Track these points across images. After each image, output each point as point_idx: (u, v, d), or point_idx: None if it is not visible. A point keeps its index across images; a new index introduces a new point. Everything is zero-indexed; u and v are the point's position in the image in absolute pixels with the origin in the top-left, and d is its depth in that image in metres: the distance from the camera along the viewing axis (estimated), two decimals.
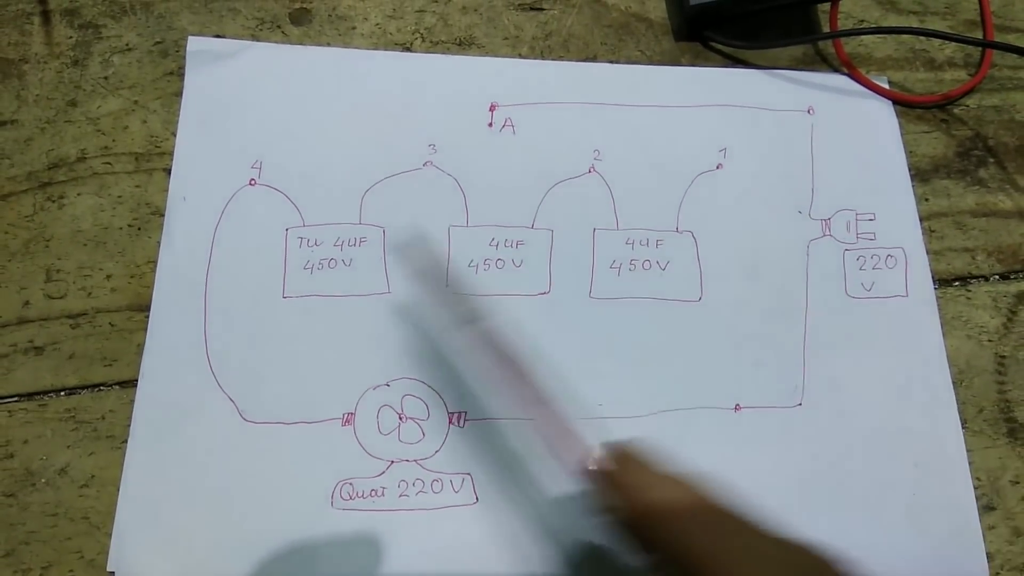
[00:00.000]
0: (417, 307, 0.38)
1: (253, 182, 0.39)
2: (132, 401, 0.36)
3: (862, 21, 0.46)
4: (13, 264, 0.38)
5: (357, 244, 0.39)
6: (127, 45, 0.42)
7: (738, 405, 0.38)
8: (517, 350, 0.32)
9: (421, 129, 0.41)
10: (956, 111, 0.44)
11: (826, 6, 0.44)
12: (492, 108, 0.42)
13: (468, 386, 0.37)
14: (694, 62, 0.44)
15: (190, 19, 0.42)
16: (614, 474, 0.29)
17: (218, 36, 0.42)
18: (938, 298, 0.41)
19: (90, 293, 0.37)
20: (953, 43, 0.45)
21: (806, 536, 0.31)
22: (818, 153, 0.43)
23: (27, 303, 0.37)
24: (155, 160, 0.40)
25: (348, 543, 0.35)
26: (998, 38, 0.46)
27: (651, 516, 0.28)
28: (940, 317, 0.40)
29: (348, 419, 0.36)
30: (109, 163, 0.39)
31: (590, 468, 0.30)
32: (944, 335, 0.40)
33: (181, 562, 0.34)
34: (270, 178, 0.39)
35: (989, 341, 0.40)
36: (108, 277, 0.38)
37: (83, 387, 0.36)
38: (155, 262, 0.38)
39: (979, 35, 0.46)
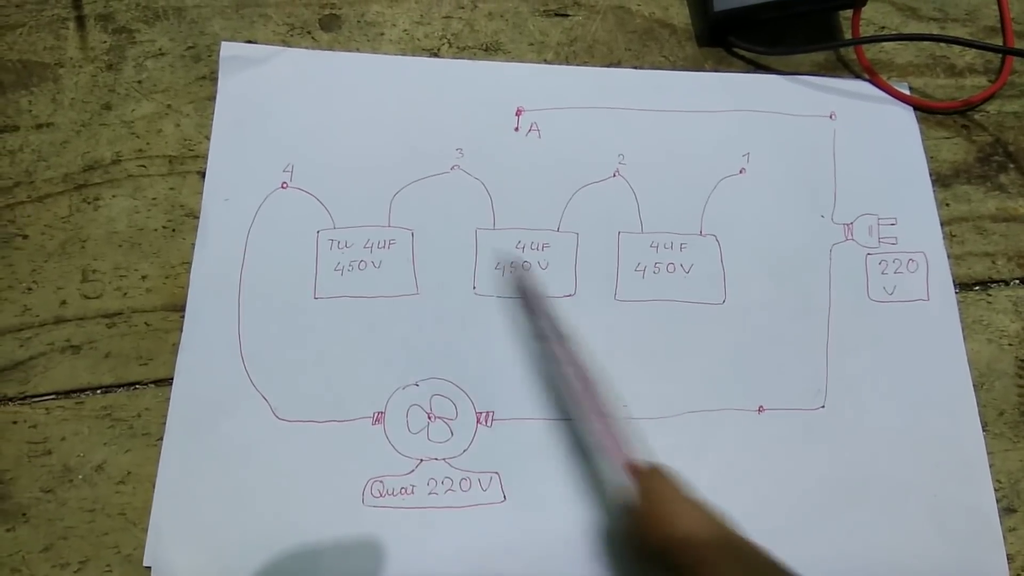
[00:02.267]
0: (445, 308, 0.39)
1: (285, 185, 0.40)
2: (167, 399, 0.36)
3: (883, 28, 0.46)
4: (50, 264, 0.38)
5: (386, 246, 0.39)
6: (160, 50, 0.42)
7: (761, 407, 0.39)
8: (590, 366, 0.35)
9: (448, 133, 0.42)
10: (976, 117, 0.45)
11: (848, 13, 0.44)
12: (518, 113, 0.42)
13: (496, 386, 0.38)
14: (717, 67, 0.45)
15: (222, 24, 0.43)
16: (646, 499, 0.31)
17: (249, 41, 0.42)
18: (959, 302, 0.41)
19: (126, 293, 0.38)
20: (973, 50, 0.46)
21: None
22: (840, 158, 0.43)
23: (64, 303, 0.38)
24: (188, 163, 0.40)
25: (378, 540, 0.35)
26: (1018, 44, 0.46)
27: (680, 545, 0.29)
28: (961, 321, 0.41)
29: (378, 418, 0.37)
30: (143, 166, 0.40)
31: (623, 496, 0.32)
32: (965, 339, 0.40)
33: (215, 557, 0.35)
34: (301, 181, 0.40)
35: (1010, 345, 0.41)
36: (143, 278, 0.38)
37: (119, 385, 0.37)
38: (189, 263, 0.38)
39: (999, 42, 0.46)
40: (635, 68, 0.44)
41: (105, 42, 0.42)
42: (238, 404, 0.36)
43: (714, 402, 0.38)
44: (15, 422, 0.36)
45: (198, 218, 0.39)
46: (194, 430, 0.36)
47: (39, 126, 0.40)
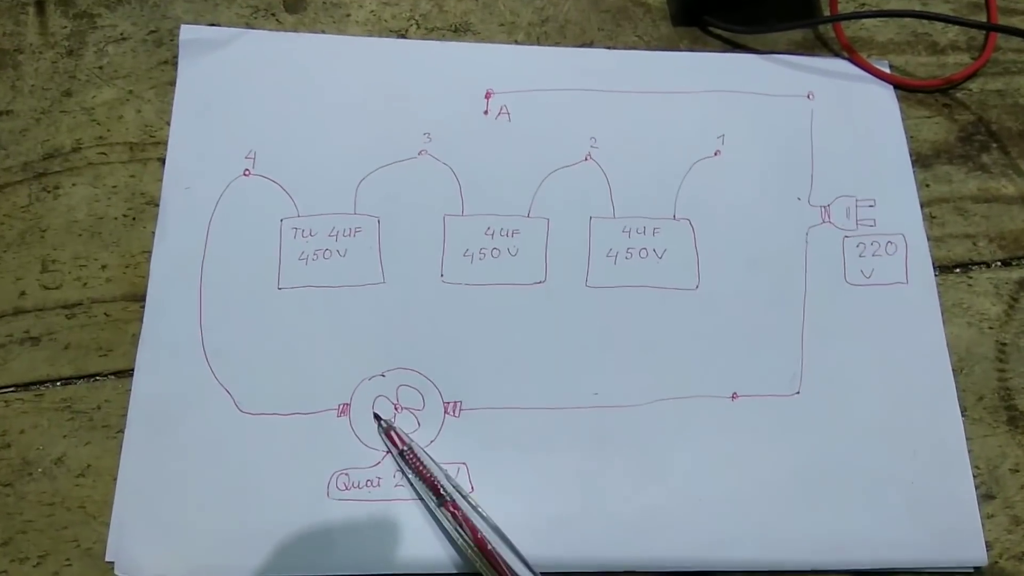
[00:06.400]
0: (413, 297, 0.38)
1: (248, 172, 0.39)
2: (128, 391, 0.36)
3: (863, 4, 0.45)
4: (9, 255, 0.38)
5: (352, 234, 0.39)
6: (121, 34, 0.41)
7: (735, 394, 0.38)
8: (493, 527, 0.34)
9: (416, 118, 0.41)
10: (958, 95, 0.44)
11: None
12: (488, 95, 0.41)
13: (463, 375, 0.37)
14: (692, 47, 0.44)
15: (184, 7, 0.42)
16: None
17: (212, 24, 0.42)
18: (938, 285, 0.40)
19: (85, 283, 0.37)
20: (956, 26, 0.45)
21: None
22: (818, 139, 0.42)
23: (23, 293, 0.37)
24: (150, 150, 0.39)
25: (344, 533, 0.35)
26: (1002, 21, 0.45)
27: None
28: (940, 304, 0.40)
29: (344, 410, 0.36)
30: (104, 153, 0.39)
31: None
32: (944, 322, 0.39)
33: (179, 551, 0.34)
34: (264, 168, 0.39)
35: (990, 328, 0.40)
36: (103, 267, 0.38)
37: (79, 377, 0.36)
38: (150, 252, 0.38)
39: (983, 18, 0.45)
40: (608, 48, 0.43)
41: (66, 27, 0.41)
42: (200, 397, 0.36)
43: (687, 389, 0.38)
44: None
45: (159, 206, 0.38)
46: (156, 423, 0.35)
47: None
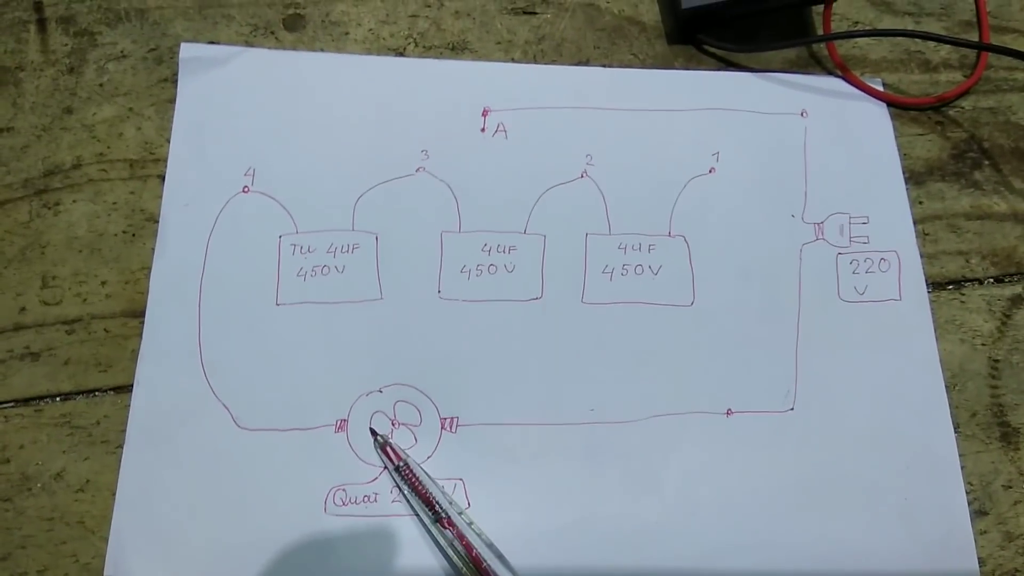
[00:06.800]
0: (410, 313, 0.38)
1: (247, 189, 0.39)
2: (127, 407, 0.36)
3: (856, 23, 0.46)
4: (9, 271, 0.38)
5: (350, 251, 0.39)
6: (122, 52, 0.42)
7: (730, 410, 0.38)
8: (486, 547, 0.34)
9: (414, 135, 0.41)
10: (951, 113, 0.44)
11: (820, 8, 0.44)
12: (485, 113, 0.42)
13: (460, 391, 0.37)
14: (687, 65, 0.44)
15: (184, 26, 0.42)
16: None
17: (212, 42, 0.42)
18: (932, 302, 0.40)
19: (85, 299, 0.38)
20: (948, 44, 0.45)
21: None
22: (811, 156, 0.42)
23: (23, 309, 0.37)
24: (149, 167, 0.40)
25: (341, 549, 0.35)
26: (994, 39, 0.45)
27: None
28: (933, 321, 0.40)
29: (341, 425, 0.37)
30: (104, 170, 0.40)
31: None
32: (937, 339, 0.40)
33: (177, 566, 0.34)
34: (263, 185, 0.39)
35: (983, 345, 0.40)
36: (103, 283, 0.38)
37: (78, 392, 0.36)
38: (149, 268, 0.38)
39: (975, 35, 0.45)
40: (604, 66, 0.43)
41: (67, 45, 0.42)
42: (198, 412, 0.36)
43: (681, 405, 0.38)
44: None
45: (158, 223, 0.39)
46: (154, 438, 0.36)
47: None
